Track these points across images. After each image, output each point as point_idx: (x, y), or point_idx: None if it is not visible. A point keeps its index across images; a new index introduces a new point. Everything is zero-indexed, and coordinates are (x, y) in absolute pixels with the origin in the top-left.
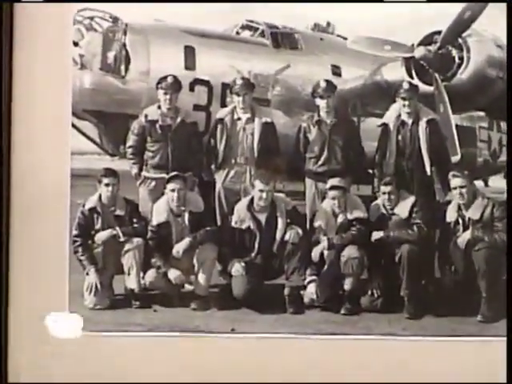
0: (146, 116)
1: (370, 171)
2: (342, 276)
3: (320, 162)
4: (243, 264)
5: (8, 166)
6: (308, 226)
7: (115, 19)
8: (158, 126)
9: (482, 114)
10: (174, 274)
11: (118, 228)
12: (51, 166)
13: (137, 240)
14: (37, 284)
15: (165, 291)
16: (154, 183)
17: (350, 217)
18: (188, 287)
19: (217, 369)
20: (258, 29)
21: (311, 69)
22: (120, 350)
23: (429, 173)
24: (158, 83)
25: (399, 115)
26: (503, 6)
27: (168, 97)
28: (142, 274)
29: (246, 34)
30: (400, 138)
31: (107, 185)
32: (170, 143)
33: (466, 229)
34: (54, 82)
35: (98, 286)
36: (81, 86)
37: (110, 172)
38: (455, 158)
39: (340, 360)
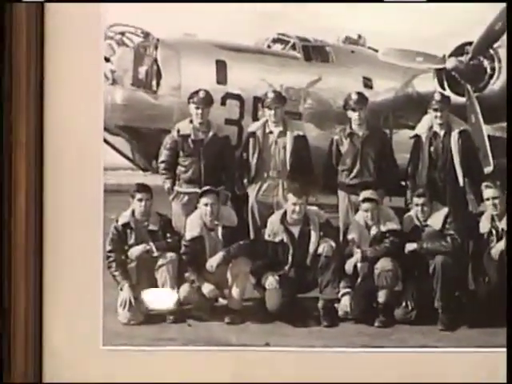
0: (178, 131)
1: (403, 183)
2: (376, 288)
3: (352, 175)
4: (277, 277)
5: (40, 183)
6: (341, 238)
7: (146, 34)
8: (190, 140)
9: None
10: (207, 288)
11: (151, 243)
12: (84, 181)
13: (170, 255)
14: (70, 300)
15: (199, 305)
16: (186, 198)
17: (383, 229)
18: (222, 301)
19: (251, 383)
20: (289, 42)
21: (342, 81)
22: (154, 365)
23: (461, 184)
24: (190, 98)
25: (431, 126)
26: None
27: (200, 111)
28: (176, 289)
29: (278, 47)
30: (432, 149)
31: (140, 200)
32: (203, 157)
33: (499, 240)
34: (86, 97)
35: (132, 301)
36: (112, 102)
37: (142, 187)
38: (488, 169)
39: (374, 373)
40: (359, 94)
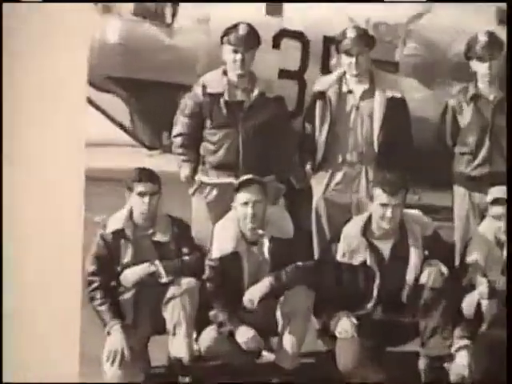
0: (203, 87)
1: None
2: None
3: (477, 161)
4: (354, 320)
5: None
6: (458, 261)
7: None
8: (222, 102)
9: None
10: (244, 335)
11: (158, 262)
12: (55, 162)
13: (188, 281)
14: (34, 349)
15: (231, 361)
16: (215, 192)
17: None
18: (267, 355)
19: None
20: None
21: (463, 15)
22: None
23: None
24: (224, 35)
25: None
26: None
27: (239, 57)
28: (194, 335)
29: None
30: None
31: (142, 194)
32: (242, 130)
33: None
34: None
35: (126, 352)
36: (103, 40)
37: (146, 174)
38: None
39: None
40: (491, 34)
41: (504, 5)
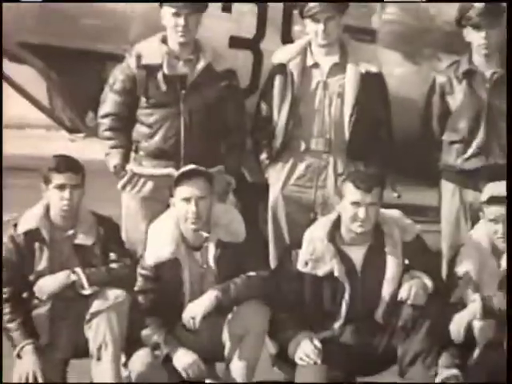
0: (138, 57)
1: None
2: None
3: (470, 152)
4: (318, 343)
5: None
6: (445, 272)
7: None
8: (160, 76)
9: None
10: (184, 360)
11: (79, 270)
12: None
13: (116, 294)
14: None
15: None
16: (150, 185)
17: None
18: None
19: None
20: None
21: None
22: None
23: None
24: None
25: None
26: None
27: (181, 21)
28: (123, 359)
29: None
30: None
31: (61, 187)
32: (184, 111)
33: None
34: None
35: (39, 377)
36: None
37: (66, 162)
38: None
39: None
40: None
41: None
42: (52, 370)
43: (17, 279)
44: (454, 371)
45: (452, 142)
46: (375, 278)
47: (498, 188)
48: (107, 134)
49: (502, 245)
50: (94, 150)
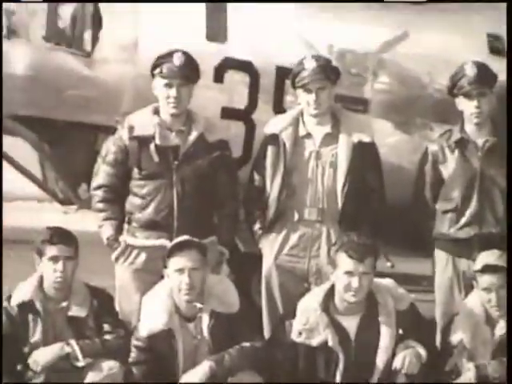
0: (130, 129)
1: None
2: None
3: (463, 221)
4: None
5: None
6: (439, 341)
7: None
8: (153, 147)
9: None
10: None
11: (73, 342)
12: None
13: (110, 365)
14: None
15: None
16: (143, 257)
17: None
18: None
19: None
20: None
21: (447, 41)
22: None
23: None
24: (155, 66)
25: None
26: None
27: (173, 92)
28: None
29: None
30: None
31: (55, 259)
32: (177, 182)
33: None
34: None
35: None
36: (8, 71)
37: (60, 234)
38: None
39: None
40: (481, 65)
41: (498, 32)
42: None
43: (10, 352)
44: None
45: (445, 211)
46: (369, 347)
47: (492, 257)
48: (100, 205)
49: (495, 313)
50: (88, 222)
